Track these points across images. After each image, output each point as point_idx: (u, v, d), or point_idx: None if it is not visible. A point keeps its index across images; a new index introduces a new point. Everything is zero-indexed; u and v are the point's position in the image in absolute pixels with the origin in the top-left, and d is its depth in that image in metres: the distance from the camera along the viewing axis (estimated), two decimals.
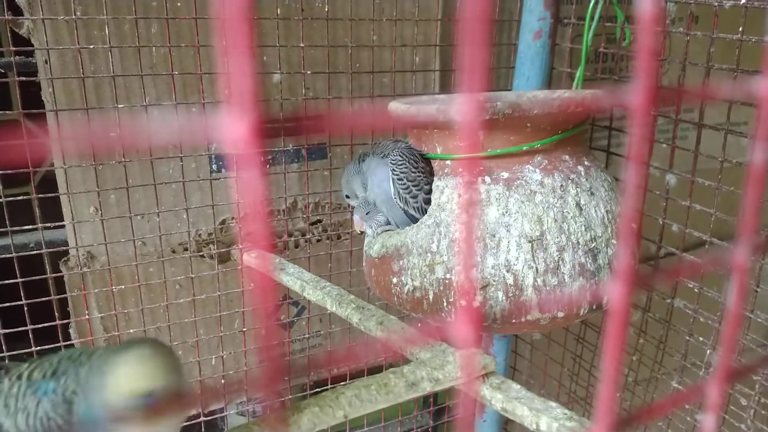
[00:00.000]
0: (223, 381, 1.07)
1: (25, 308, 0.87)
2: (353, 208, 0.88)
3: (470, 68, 0.15)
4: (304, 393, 1.14)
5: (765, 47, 0.75)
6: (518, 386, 0.61)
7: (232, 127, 0.13)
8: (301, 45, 0.96)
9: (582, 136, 0.83)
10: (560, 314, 0.74)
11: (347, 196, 0.89)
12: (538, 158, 0.77)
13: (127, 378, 0.46)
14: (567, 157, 0.78)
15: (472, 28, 0.15)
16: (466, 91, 0.15)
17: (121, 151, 0.91)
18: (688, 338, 0.92)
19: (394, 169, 0.79)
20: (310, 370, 0.96)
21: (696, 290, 0.88)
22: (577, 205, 0.75)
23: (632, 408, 1.09)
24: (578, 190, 0.76)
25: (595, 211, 0.76)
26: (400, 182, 0.79)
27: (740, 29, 0.79)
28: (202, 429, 1.05)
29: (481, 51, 0.15)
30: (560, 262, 0.73)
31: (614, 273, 0.16)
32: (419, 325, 0.81)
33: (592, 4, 0.91)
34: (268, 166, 1.04)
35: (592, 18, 0.91)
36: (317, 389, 1.13)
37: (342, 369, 1.15)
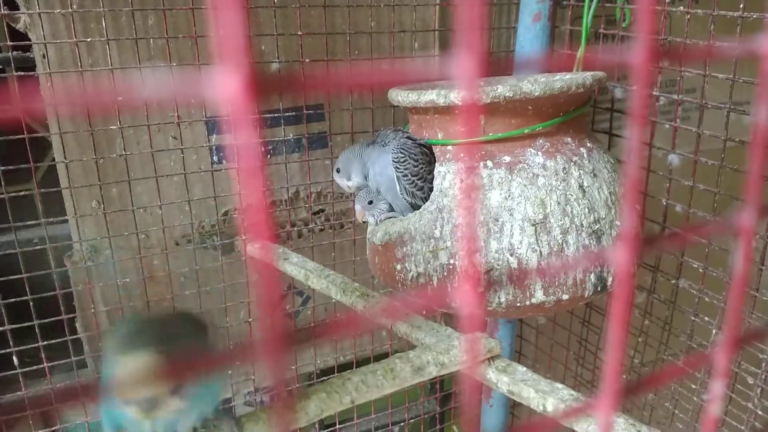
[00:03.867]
0: (229, 372, 1.07)
1: (31, 303, 0.87)
2: (354, 197, 0.88)
3: (468, 27, 0.15)
4: (311, 381, 1.14)
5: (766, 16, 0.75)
6: (524, 368, 0.61)
7: (225, 84, 0.13)
8: (299, 33, 0.95)
9: (584, 119, 0.83)
10: (565, 297, 0.74)
11: (338, 170, 0.87)
12: (540, 141, 0.76)
13: (125, 385, 0.46)
14: (569, 139, 0.78)
15: (469, 11, 0.15)
16: (465, 50, 0.15)
17: (121, 144, 0.91)
18: (693, 318, 0.92)
19: (397, 167, 0.79)
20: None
21: (701, 270, 0.88)
22: (580, 187, 0.75)
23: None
24: (581, 172, 0.75)
25: (599, 192, 0.75)
26: (405, 178, 0.79)
27: (741, 6, 0.78)
28: None
29: (478, 9, 0.14)
30: (564, 245, 0.73)
31: (619, 238, 0.16)
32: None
33: None
34: (269, 156, 1.04)
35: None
36: (324, 377, 1.13)
37: (348, 356, 1.15)
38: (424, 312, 1.08)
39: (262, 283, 0.16)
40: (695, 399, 0.98)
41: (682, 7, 0.89)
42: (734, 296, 0.19)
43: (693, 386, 0.97)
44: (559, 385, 0.58)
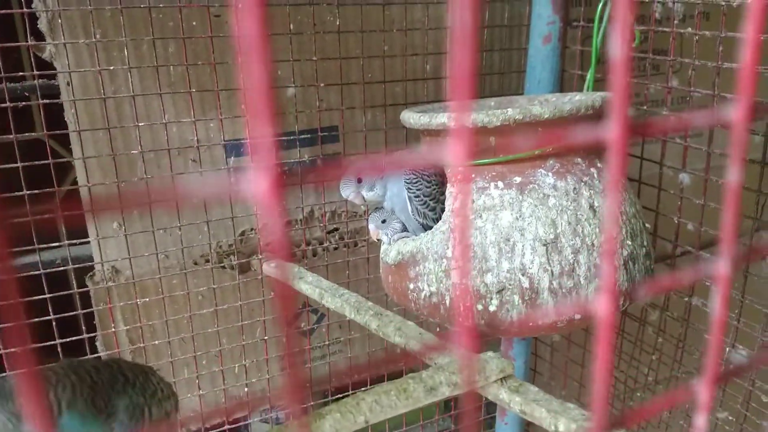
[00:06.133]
0: (246, 389, 1.09)
1: (54, 323, 0.90)
2: (368, 216, 0.89)
3: (460, 76, 0.16)
4: (326, 399, 1.15)
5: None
6: (536, 389, 0.62)
7: (256, 183, 0.15)
8: (314, 58, 0.98)
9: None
10: (577, 316, 0.75)
11: (359, 180, 0.84)
12: (551, 162, 0.77)
13: None
14: (579, 159, 0.79)
15: (461, 35, 0.16)
16: (456, 99, 0.16)
17: (142, 167, 0.94)
18: (707, 336, 0.92)
19: (409, 188, 0.80)
20: (332, 379, 0.98)
21: (709, 308, 0.88)
22: (591, 207, 0.76)
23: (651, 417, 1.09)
24: (591, 192, 0.76)
25: None
26: (417, 199, 0.80)
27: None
28: None
29: (470, 58, 0.16)
30: (575, 265, 0.74)
31: (600, 287, 0.18)
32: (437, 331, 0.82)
33: (600, 6, 0.92)
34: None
35: (601, 20, 0.92)
36: (339, 395, 1.14)
37: (363, 376, 1.16)
38: (438, 329, 1.08)
39: (277, 301, 0.18)
40: (710, 417, 0.97)
41: (690, 28, 0.90)
42: (714, 337, 0.20)
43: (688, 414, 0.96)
44: (571, 405, 0.58)
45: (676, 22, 0.92)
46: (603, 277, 0.18)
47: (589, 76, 0.96)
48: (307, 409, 1.05)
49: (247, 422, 1.14)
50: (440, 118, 0.79)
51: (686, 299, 0.94)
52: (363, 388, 0.60)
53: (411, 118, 0.82)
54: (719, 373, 0.19)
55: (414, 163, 0.18)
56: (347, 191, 0.85)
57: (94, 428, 0.52)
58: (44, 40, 0.87)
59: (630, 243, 0.77)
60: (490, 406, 1.28)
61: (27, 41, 0.86)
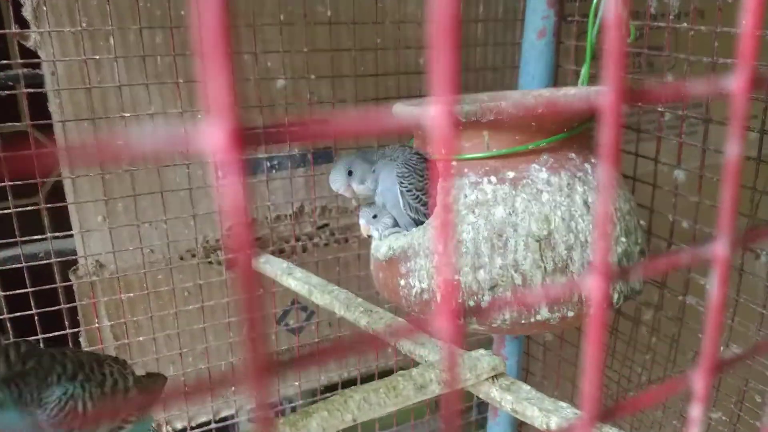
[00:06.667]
0: (233, 388, 1.07)
1: (36, 317, 0.88)
2: (359, 211, 0.88)
3: (442, 72, 0.15)
4: (314, 399, 1.14)
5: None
6: (528, 387, 0.60)
7: (211, 136, 0.14)
8: (305, 50, 0.96)
9: (588, 134, 0.83)
10: (570, 314, 0.74)
11: (350, 173, 0.82)
12: (544, 157, 0.76)
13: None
14: (573, 155, 0.77)
15: (442, 30, 0.15)
16: (438, 95, 0.15)
17: (128, 160, 0.92)
18: (701, 336, 0.91)
19: (401, 182, 0.79)
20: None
21: (708, 287, 0.87)
22: (585, 203, 0.74)
23: (643, 408, 1.08)
24: (585, 188, 0.75)
25: None
26: (409, 193, 0.79)
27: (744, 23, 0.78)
28: None
29: (452, 55, 0.14)
30: (569, 261, 0.72)
31: (592, 267, 0.16)
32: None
33: (595, 1, 0.90)
34: (274, 171, 1.05)
35: (595, 15, 0.91)
36: (328, 393, 1.13)
37: (352, 373, 1.14)
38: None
39: (243, 302, 0.16)
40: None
41: (686, 24, 0.89)
42: (711, 323, 0.19)
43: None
44: (563, 404, 0.57)
45: (671, 17, 0.91)
46: (596, 255, 0.16)
47: (584, 71, 0.94)
48: (276, 413, 1.03)
49: (235, 421, 1.12)
50: (432, 113, 0.77)
51: (680, 298, 0.93)
52: (351, 388, 0.59)
53: (402, 112, 0.81)
54: (716, 362, 0.18)
55: (384, 126, 0.16)
56: (337, 184, 0.82)
57: (11, 413, 0.51)
58: (29, 28, 0.85)
59: (624, 240, 0.76)
60: (482, 406, 1.26)
61: (12, 29, 0.84)
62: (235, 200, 0.14)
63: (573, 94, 0.86)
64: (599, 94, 0.16)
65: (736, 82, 0.18)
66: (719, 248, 0.19)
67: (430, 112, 0.15)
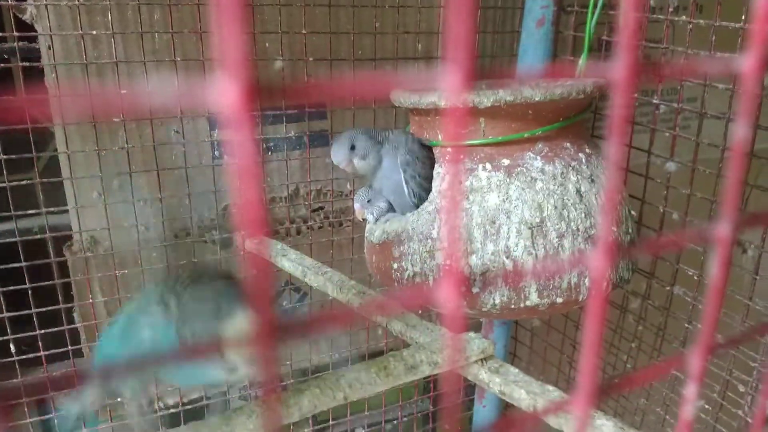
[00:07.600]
0: None
1: (29, 292, 0.88)
2: (354, 195, 0.88)
3: (456, 41, 0.15)
4: (306, 378, 1.15)
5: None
6: (516, 370, 0.62)
7: (224, 91, 0.14)
8: (303, 32, 0.96)
9: (584, 124, 0.83)
10: (559, 300, 0.75)
11: (353, 147, 0.81)
12: (540, 145, 0.77)
13: (237, 343, 0.50)
14: (568, 144, 0.78)
15: (458, 17, 0.16)
16: (453, 64, 0.15)
17: (124, 137, 0.92)
18: (687, 326, 0.93)
19: (405, 169, 0.79)
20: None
21: (696, 278, 0.89)
22: (578, 192, 0.75)
23: (629, 394, 1.10)
24: (579, 177, 0.76)
25: (596, 198, 0.76)
26: (414, 180, 0.79)
27: (743, 17, 0.78)
28: (206, 412, 1.06)
29: (467, 23, 0.15)
30: (560, 249, 0.73)
31: (596, 244, 0.17)
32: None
33: None
34: (269, 153, 1.05)
35: (595, 6, 0.91)
36: (319, 374, 1.14)
37: (344, 354, 1.16)
38: (420, 311, 1.08)
39: (255, 278, 0.17)
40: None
41: (684, 17, 0.90)
42: (711, 303, 0.19)
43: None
44: (550, 387, 0.58)
45: (670, 10, 0.92)
46: (600, 231, 0.17)
47: (582, 61, 0.95)
48: (283, 386, 1.04)
49: (226, 398, 1.13)
50: (430, 98, 0.78)
51: (668, 288, 0.94)
52: (343, 367, 0.60)
53: (401, 97, 0.81)
54: (713, 343, 0.19)
55: (384, 85, 0.17)
56: (339, 157, 0.81)
57: (166, 329, 0.55)
58: (26, 0, 0.84)
59: (615, 229, 0.77)
60: (469, 389, 1.28)
61: (8, 1, 0.83)
62: (246, 159, 0.14)
63: (570, 84, 0.87)
64: (612, 69, 0.16)
65: (747, 63, 0.18)
66: (722, 229, 0.19)
67: (438, 98, 0.16)
